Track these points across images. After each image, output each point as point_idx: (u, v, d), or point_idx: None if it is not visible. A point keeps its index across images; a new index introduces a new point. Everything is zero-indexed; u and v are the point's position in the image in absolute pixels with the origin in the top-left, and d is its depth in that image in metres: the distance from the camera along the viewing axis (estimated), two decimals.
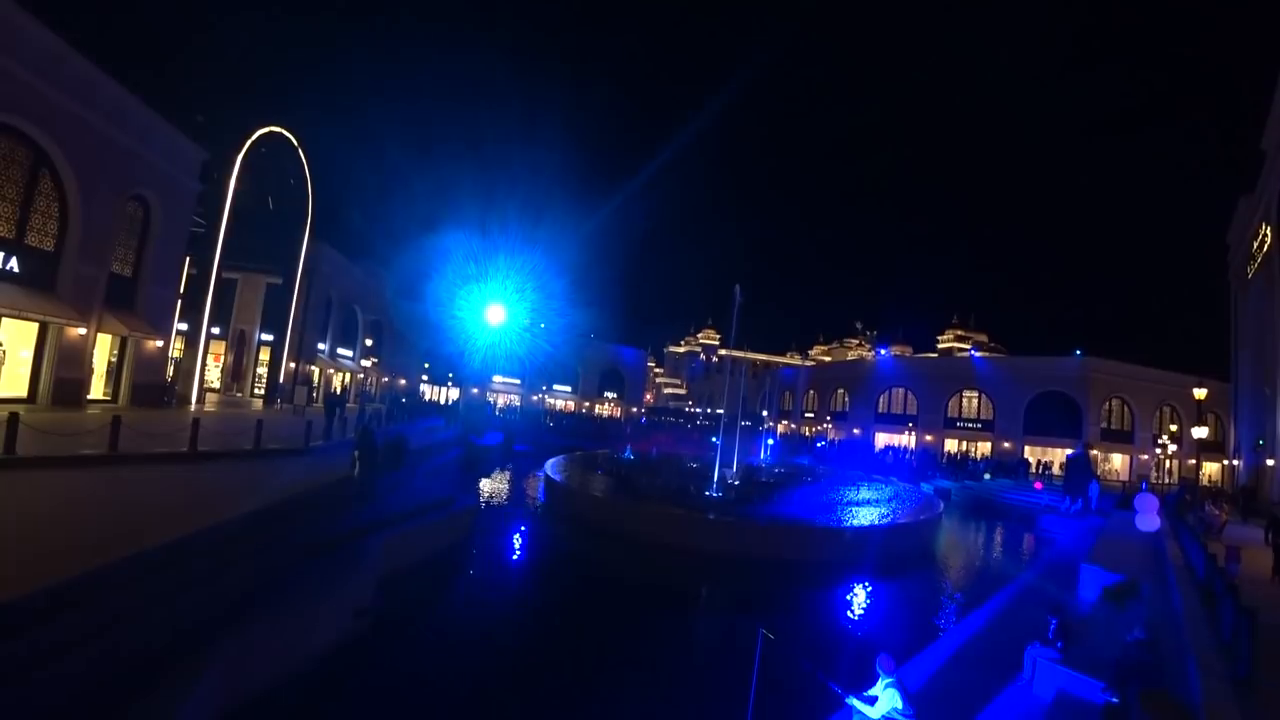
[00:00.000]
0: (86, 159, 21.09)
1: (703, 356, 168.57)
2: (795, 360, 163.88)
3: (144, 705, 6.43)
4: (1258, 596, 9.62)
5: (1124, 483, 47.83)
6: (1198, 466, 35.57)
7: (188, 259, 29.95)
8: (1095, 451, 50.69)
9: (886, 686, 7.13)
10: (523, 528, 22.61)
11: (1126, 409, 58.54)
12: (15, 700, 5.76)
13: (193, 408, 27.42)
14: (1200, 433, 27.47)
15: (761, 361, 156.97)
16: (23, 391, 20.44)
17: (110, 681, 6.60)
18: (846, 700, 7.40)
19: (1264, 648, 6.94)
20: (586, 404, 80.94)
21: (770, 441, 42.16)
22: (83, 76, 20.48)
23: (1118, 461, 58.26)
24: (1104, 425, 57.38)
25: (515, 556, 19.29)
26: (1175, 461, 51.93)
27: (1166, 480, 47.18)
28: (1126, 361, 59.54)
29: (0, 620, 5.97)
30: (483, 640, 12.07)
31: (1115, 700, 7.60)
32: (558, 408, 76.91)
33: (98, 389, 23.97)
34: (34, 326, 20.67)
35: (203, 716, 7.37)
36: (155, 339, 25.89)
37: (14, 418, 12.75)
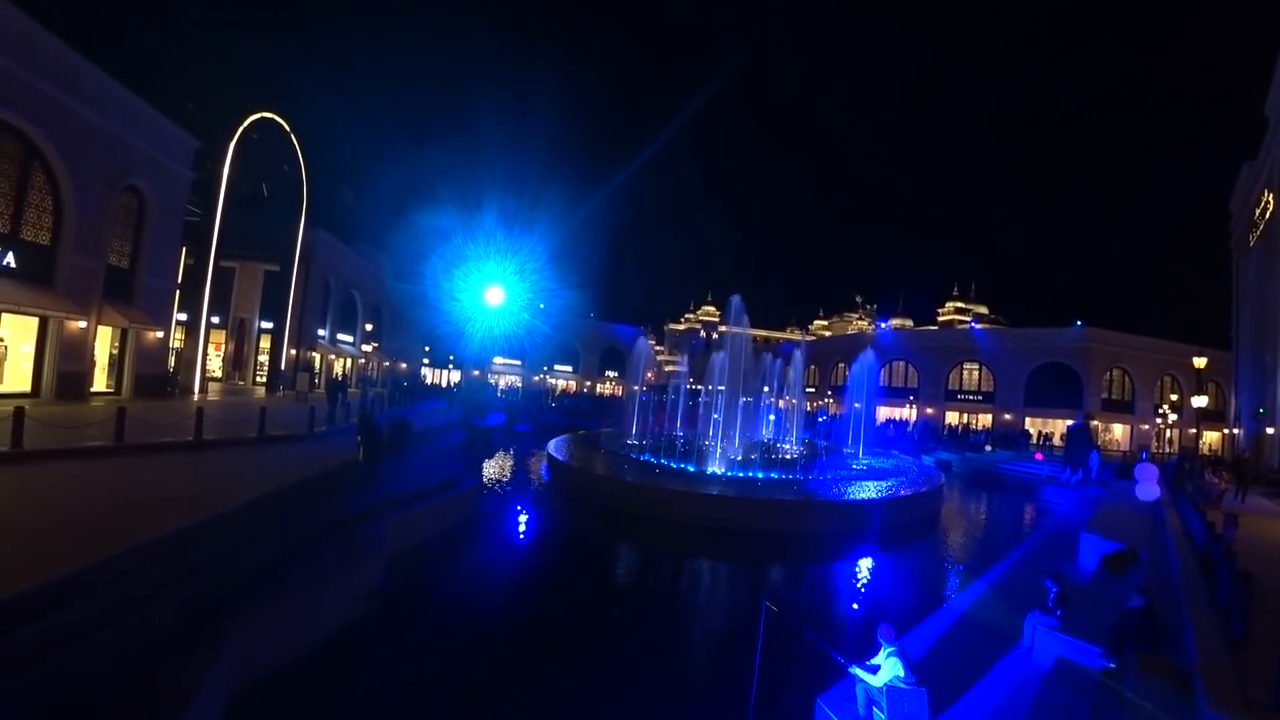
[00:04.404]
0: (77, 150, 20.90)
1: (703, 334, 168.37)
2: (795, 335, 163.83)
3: (161, 684, 6.57)
4: (1255, 562, 9.73)
5: (1124, 453, 48.03)
6: (1198, 436, 35.64)
7: (185, 249, 29.81)
8: (1096, 422, 50.77)
9: (889, 655, 7.26)
10: (527, 506, 22.82)
11: (1127, 379, 58.53)
12: (34, 681, 5.90)
13: (196, 397, 27.49)
14: (1200, 402, 27.40)
15: (761, 337, 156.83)
16: (26, 386, 20.50)
17: (127, 664, 6.74)
18: (850, 670, 7.54)
19: (1259, 613, 7.03)
20: (588, 383, 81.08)
21: (771, 417, 42.33)
22: (65, 63, 20.06)
23: (1118, 431, 58.38)
24: (1105, 395, 57.38)
25: (520, 534, 19.49)
26: (1175, 431, 52.03)
27: (1167, 450, 47.33)
28: (1127, 331, 59.36)
29: (18, 608, 6.09)
30: (491, 617, 12.24)
31: (1113, 665, 7.75)
32: (560, 388, 77.04)
33: (100, 381, 24.02)
34: (34, 321, 20.67)
35: (219, 696, 7.54)
36: (155, 330, 25.90)
37: (19, 411, 12.82)
